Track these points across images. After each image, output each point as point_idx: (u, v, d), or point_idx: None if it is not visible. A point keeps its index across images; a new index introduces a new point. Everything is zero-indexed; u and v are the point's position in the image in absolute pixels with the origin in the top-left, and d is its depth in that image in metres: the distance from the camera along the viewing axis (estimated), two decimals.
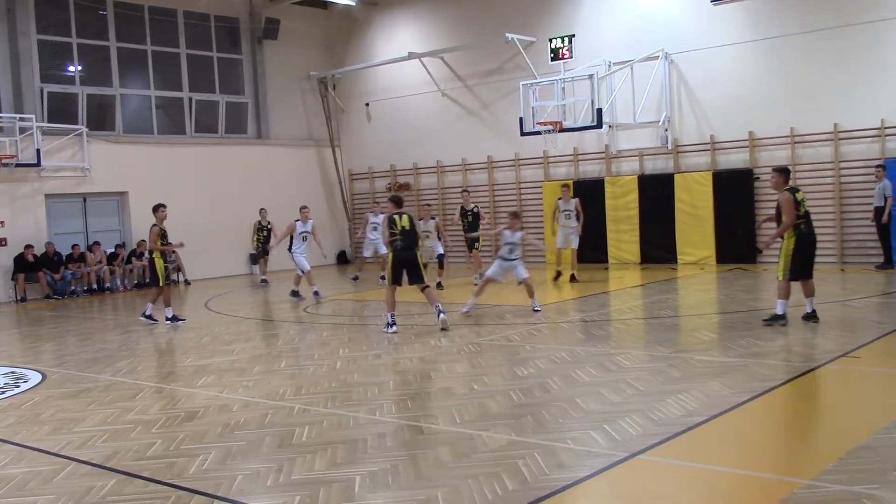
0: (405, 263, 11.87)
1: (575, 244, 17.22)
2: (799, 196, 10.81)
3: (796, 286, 10.82)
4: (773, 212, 11.28)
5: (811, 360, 8.66)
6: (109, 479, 5.99)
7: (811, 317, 10.89)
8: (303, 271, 16.84)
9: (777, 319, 10.75)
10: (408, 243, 11.82)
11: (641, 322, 12.33)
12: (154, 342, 12.94)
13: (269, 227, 21.90)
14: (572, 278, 17.20)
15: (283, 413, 7.64)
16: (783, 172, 11.11)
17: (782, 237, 10.73)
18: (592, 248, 20.17)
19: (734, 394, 7.43)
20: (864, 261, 17.55)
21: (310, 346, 11.47)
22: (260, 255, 22.05)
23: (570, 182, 19.77)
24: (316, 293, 16.68)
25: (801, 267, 10.70)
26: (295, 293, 16.97)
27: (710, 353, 9.45)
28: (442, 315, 11.76)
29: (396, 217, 11.89)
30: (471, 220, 18.10)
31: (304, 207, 17.62)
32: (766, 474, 5.46)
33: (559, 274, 17.51)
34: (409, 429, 6.90)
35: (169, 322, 14.34)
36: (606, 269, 20.04)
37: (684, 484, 5.47)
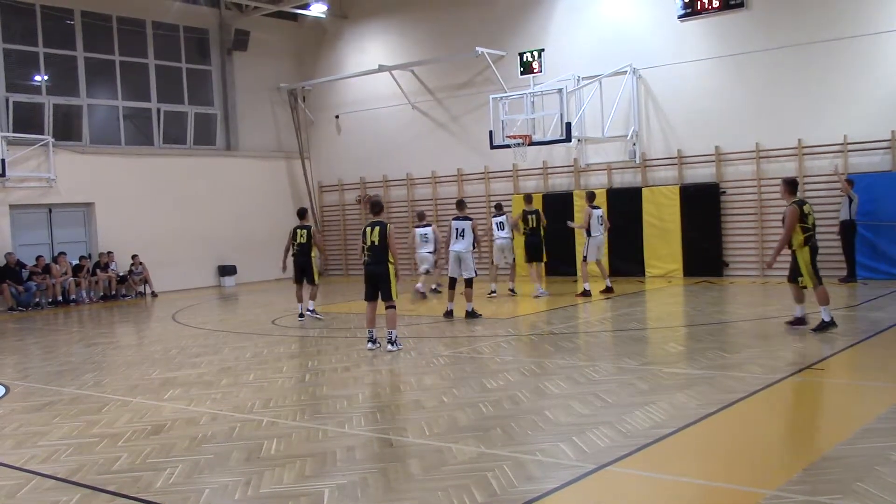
0: (373, 278, 11.32)
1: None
2: (806, 209, 11.11)
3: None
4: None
5: (776, 371, 8.77)
6: (74, 493, 5.91)
7: (801, 322, 11.35)
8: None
9: (828, 326, 10.98)
10: (376, 258, 11.20)
11: (610, 335, 12.41)
12: (121, 355, 12.80)
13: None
14: (610, 290, 16.76)
15: (251, 426, 7.59)
16: (789, 184, 11.40)
17: (791, 248, 11.12)
18: (561, 261, 20.31)
19: (701, 406, 7.50)
20: (828, 274, 17.73)
21: (278, 359, 11.40)
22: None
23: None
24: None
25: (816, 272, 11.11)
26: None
27: (678, 366, 9.53)
28: (390, 346, 11.12)
29: (368, 229, 11.28)
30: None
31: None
32: (731, 485, 5.52)
33: (589, 293, 16.58)
34: (379, 441, 6.89)
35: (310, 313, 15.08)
36: (575, 281, 20.13)
37: (652, 495, 5.52)
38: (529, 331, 13.04)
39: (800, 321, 11.40)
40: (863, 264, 17.15)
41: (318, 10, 24.99)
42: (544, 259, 17.68)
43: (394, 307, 11.34)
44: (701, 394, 7.97)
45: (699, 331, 11.96)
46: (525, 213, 17.30)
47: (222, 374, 10.26)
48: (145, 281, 22.24)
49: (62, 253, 20.99)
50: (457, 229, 14.45)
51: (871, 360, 9.74)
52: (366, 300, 11.51)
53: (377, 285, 11.33)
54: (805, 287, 11.19)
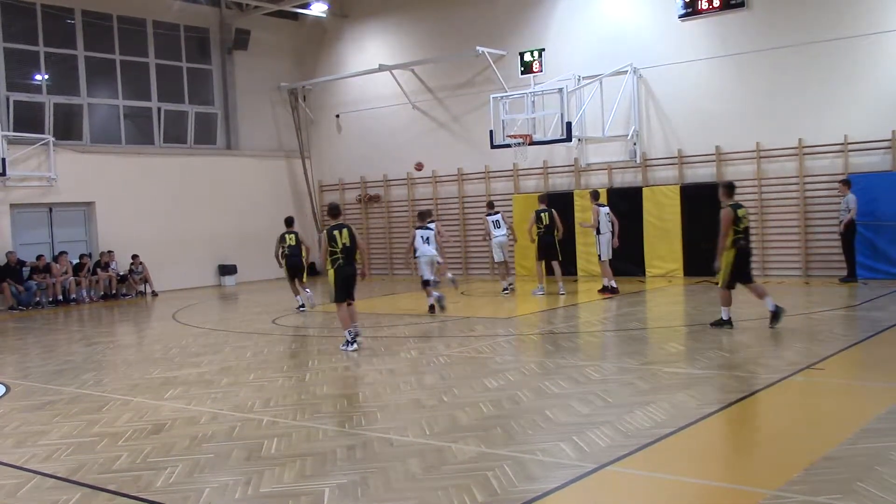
0: (352, 280, 11.60)
1: None
2: (740, 213, 11.49)
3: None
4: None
5: (776, 371, 8.77)
6: (75, 492, 5.92)
7: (777, 313, 11.49)
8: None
9: (724, 324, 11.64)
10: (350, 259, 11.48)
11: (610, 334, 12.41)
12: (121, 354, 12.81)
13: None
14: (608, 289, 16.90)
15: (251, 425, 7.59)
16: (726, 187, 11.80)
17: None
18: (563, 261, 20.23)
19: (701, 405, 7.50)
20: (828, 274, 17.80)
21: (279, 358, 11.41)
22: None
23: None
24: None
25: (739, 276, 11.57)
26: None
27: (678, 365, 9.53)
28: (353, 344, 11.46)
29: (336, 233, 11.43)
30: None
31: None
32: (732, 485, 5.52)
33: (616, 289, 16.84)
34: (379, 441, 6.89)
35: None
36: (576, 281, 20.15)
37: (652, 495, 5.52)
38: (530, 330, 13.04)
39: (774, 315, 11.54)
40: (863, 264, 17.12)
41: (318, 9, 24.97)
42: (559, 257, 17.34)
43: (353, 302, 11.78)
44: (701, 394, 7.97)
45: (699, 331, 11.96)
46: (538, 213, 17.30)
47: (222, 374, 10.27)
48: (145, 280, 22.23)
49: (63, 252, 20.97)
50: (422, 237, 15.27)
51: (871, 360, 9.74)
52: (340, 302, 11.58)
53: (352, 285, 11.64)
54: (722, 287, 11.61)
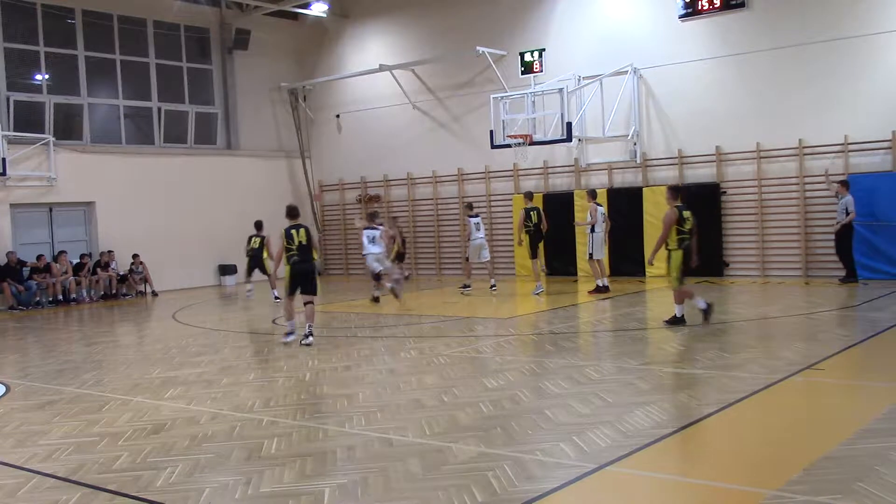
0: (302, 276, 12.12)
1: None
2: (685, 214, 12.06)
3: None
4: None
5: (776, 371, 8.77)
6: (75, 492, 5.92)
7: (708, 311, 12.07)
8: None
9: (678, 322, 12.04)
10: (305, 256, 12.07)
11: (610, 334, 12.41)
12: (121, 354, 12.81)
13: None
14: (606, 289, 17.06)
15: (251, 425, 7.59)
16: (673, 190, 12.45)
17: (669, 251, 12.13)
18: (563, 261, 20.28)
19: (701, 405, 7.51)
20: (828, 274, 17.80)
21: (278, 358, 11.41)
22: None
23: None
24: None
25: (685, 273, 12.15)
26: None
27: (678, 366, 9.53)
28: (311, 338, 11.97)
29: (294, 231, 12.09)
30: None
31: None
32: (732, 485, 5.52)
33: (607, 287, 17.09)
34: (379, 441, 6.89)
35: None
36: (576, 281, 20.15)
37: (652, 495, 5.52)
38: (529, 330, 13.04)
39: (706, 312, 12.10)
40: (863, 264, 17.12)
41: (318, 9, 24.96)
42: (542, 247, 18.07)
43: (312, 302, 12.31)
44: (701, 394, 7.98)
45: (699, 331, 11.96)
46: (528, 211, 17.45)
47: (223, 374, 10.27)
48: (146, 280, 22.23)
49: (63, 252, 20.97)
50: (368, 236, 16.58)
51: (871, 360, 9.75)
52: (289, 296, 12.24)
53: (304, 281, 12.18)
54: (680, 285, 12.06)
